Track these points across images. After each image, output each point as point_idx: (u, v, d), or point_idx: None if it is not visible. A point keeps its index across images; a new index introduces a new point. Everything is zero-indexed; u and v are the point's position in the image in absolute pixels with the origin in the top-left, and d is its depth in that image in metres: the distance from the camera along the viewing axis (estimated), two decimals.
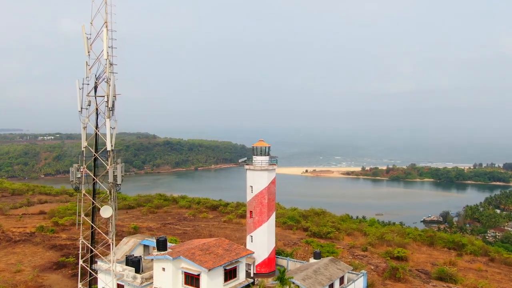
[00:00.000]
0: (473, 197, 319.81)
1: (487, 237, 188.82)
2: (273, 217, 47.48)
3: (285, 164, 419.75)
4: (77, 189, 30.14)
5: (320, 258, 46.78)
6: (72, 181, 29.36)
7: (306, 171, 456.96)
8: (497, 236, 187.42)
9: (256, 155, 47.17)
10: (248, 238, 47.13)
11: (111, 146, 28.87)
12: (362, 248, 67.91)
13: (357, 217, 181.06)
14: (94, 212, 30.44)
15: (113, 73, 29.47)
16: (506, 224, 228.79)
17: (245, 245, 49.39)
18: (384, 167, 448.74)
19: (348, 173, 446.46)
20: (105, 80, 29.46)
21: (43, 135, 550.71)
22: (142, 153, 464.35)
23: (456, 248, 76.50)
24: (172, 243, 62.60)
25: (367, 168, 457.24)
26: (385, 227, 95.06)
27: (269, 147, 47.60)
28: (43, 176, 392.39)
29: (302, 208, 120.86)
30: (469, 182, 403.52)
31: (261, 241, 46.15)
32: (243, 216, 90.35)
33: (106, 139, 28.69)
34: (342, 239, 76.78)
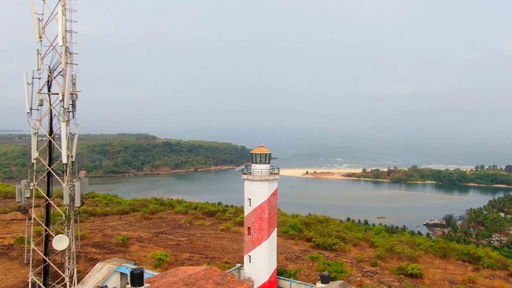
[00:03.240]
0: (476, 199, 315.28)
1: (492, 241, 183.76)
2: (274, 234, 41.53)
3: (285, 166, 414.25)
4: (25, 212, 24.24)
5: (328, 282, 40.74)
6: (19, 201, 23.49)
7: (307, 172, 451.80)
8: (503, 241, 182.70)
9: (255, 163, 41.09)
10: (245, 258, 41.20)
11: (71, 157, 22.96)
12: (371, 262, 62.07)
13: (359, 221, 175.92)
14: (47, 241, 24.53)
15: (72, 64, 23.39)
16: (511, 228, 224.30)
17: (242, 263, 43.56)
18: (386, 169, 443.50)
19: (349, 175, 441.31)
20: (61, 73, 23.48)
21: (43, 135, 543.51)
22: (141, 154, 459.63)
23: (472, 260, 70.66)
24: (162, 258, 56.82)
25: (368, 170, 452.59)
26: (393, 236, 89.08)
27: (270, 154, 41.50)
28: (41, 177, 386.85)
29: (303, 212, 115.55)
30: (471, 184, 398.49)
31: (261, 261, 40.19)
32: (241, 224, 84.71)
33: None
34: (349, 251, 71.02)
